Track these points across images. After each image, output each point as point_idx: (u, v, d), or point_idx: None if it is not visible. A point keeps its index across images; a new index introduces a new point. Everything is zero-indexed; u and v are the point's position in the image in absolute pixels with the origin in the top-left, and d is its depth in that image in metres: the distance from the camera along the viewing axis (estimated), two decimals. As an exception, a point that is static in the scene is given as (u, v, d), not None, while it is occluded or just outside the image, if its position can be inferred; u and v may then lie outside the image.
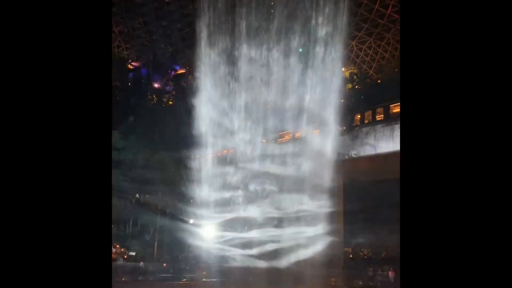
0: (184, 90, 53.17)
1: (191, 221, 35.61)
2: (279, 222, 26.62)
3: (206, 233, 30.88)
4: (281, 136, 31.62)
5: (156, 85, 63.09)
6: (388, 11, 56.33)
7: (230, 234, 27.34)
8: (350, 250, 44.56)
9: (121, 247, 39.79)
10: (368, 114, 34.49)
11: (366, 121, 33.74)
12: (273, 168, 26.72)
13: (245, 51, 25.97)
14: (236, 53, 26.31)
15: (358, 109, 37.68)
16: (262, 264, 25.45)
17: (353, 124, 35.02)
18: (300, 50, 26.59)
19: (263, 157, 26.84)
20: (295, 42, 25.64)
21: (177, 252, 38.17)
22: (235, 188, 26.70)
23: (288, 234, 25.80)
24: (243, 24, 25.82)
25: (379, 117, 33.23)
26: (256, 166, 26.37)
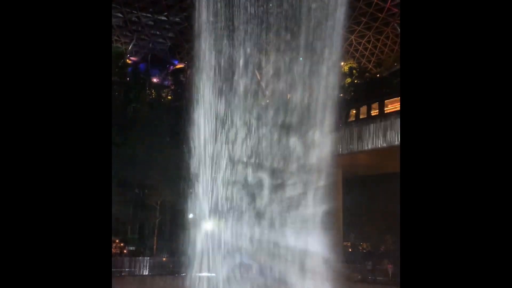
0: (183, 84, 53.15)
1: (191, 215, 35.65)
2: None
3: (206, 227, 30.94)
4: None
5: (154, 80, 63.01)
6: (387, 5, 56.12)
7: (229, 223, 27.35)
8: (349, 244, 44.80)
9: (120, 242, 39.91)
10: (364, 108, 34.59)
11: (363, 116, 33.83)
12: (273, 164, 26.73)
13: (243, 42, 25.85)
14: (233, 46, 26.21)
15: (357, 103, 37.70)
16: (259, 257, 25.50)
17: (352, 119, 35.06)
18: (301, 59, 26.47)
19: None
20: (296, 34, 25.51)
21: (176, 247, 38.28)
22: (236, 182, 26.69)
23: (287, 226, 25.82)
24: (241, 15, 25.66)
25: (375, 112, 33.33)
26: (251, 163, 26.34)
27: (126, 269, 31.71)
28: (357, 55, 66.24)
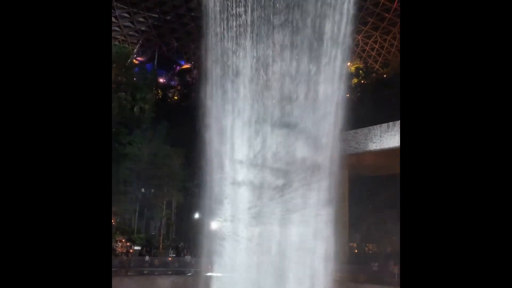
0: (189, 84, 53.30)
1: (197, 215, 35.78)
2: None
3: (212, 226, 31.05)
4: None
5: (161, 80, 63.24)
6: (394, 5, 55.92)
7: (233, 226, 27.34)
8: (355, 245, 44.66)
9: (127, 241, 40.09)
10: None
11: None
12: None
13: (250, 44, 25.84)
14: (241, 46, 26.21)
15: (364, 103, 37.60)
16: (266, 258, 25.48)
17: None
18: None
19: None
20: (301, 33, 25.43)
21: (182, 246, 38.44)
22: (241, 181, 26.71)
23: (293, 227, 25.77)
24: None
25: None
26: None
27: (133, 268, 31.86)
28: (364, 55, 66.01)
